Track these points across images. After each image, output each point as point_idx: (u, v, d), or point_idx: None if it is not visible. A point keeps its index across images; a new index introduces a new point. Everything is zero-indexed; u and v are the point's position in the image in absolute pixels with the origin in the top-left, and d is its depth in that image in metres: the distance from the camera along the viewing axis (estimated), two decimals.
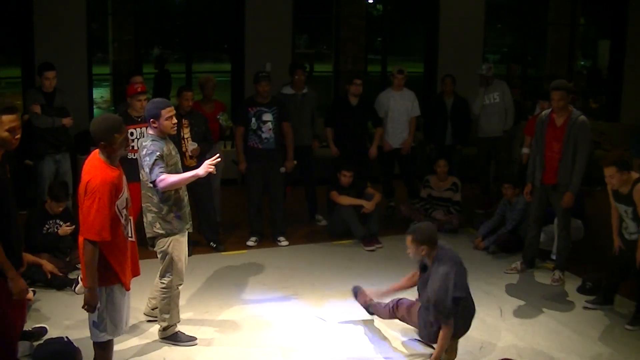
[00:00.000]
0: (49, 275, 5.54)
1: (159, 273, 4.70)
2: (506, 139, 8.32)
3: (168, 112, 4.59)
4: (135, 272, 4.02)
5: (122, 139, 3.70)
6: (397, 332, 4.98)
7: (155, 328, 4.89)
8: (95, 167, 3.65)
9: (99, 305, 3.71)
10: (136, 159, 6.10)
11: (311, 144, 7.59)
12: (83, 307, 3.71)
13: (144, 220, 4.63)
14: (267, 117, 6.78)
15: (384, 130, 7.80)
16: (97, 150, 3.74)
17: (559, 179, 5.81)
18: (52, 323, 4.93)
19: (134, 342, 4.71)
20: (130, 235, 3.90)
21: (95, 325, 3.79)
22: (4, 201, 3.47)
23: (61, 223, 5.97)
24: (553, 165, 5.84)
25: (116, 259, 3.74)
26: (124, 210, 3.80)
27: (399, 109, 7.81)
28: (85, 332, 4.29)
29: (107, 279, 3.72)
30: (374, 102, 7.87)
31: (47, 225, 5.95)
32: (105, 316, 3.76)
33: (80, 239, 3.69)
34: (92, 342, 3.91)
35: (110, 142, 3.66)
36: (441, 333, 4.31)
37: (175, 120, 4.67)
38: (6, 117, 3.41)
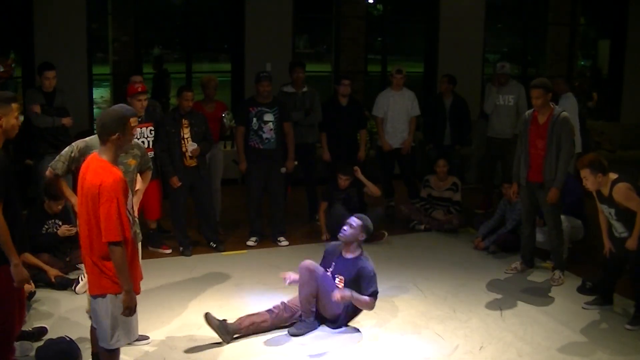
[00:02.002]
0: (54, 280, 5.56)
1: None
2: (514, 141, 8.24)
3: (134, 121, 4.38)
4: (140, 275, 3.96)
5: (132, 128, 3.67)
6: (396, 333, 4.98)
7: (154, 329, 4.89)
8: (102, 168, 3.55)
9: (113, 312, 3.62)
10: None
11: (314, 142, 7.60)
12: (123, 313, 3.60)
13: None
14: (269, 117, 6.77)
15: (367, 132, 7.86)
16: (94, 154, 3.68)
17: (544, 176, 5.83)
18: (52, 323, 4.92)
19: (133, 343, 4.70)
20: (139, 237, 3.90)
21: (108, 332, 3.69)
22: (9, 188, 3.57)
23: (60, 223, 5.97)
24: (538, 163, 5.87)
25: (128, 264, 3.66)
26: (132, 210, 3.78)
27: (399, 109, 7.80)
28: (85, 332, 4.30)
29: (115, 287, 3.62)
30: (367, 102, 7.86)
31: (46, 226, 5.95)
32: (118, 323, 3.68)
33: (88, 252, 3.65)
34: (101, 347, 3.81)
35: (124, 130, 3.61)
36: (371, 304, 4.90)
37: (137, 130, 4.54)
38: (15, 105, 3.67)
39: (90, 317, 3.97)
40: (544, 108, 5.82)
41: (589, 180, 5.12)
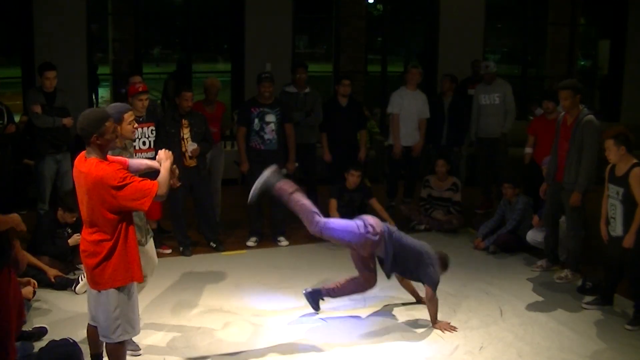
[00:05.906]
0: (54, 280, 5.54)
1: None
2: (504, 140, 8.24)
3: (130, 115, 4.39)
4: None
5: (113, 128, 3.70)
6: (397, 333, 4.98)
7: (154, 329, 4.89)
8: (94, 165, 3.62)
9: (116, 305, 3.72)
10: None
11: (314, 143, 7.60)
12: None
13: None
14: (270, 118, 6.77)
15: (367, 132, 7.84)
16: (82, 154, 3.72)
17: (563, 177, 5.85)
18: (52, 323, 4.92)
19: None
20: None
21: (110, 326, 3.76)
22: None
23: (69, 230, 5.95)
24: (563, 164, 5.89)
25: (133, 253, 3.76)
26: None
27: (411, 109, 7.73)
28: (85, 333, 4.30)
29: (127, 277, 3.73)
30: (365, 102, 7.85)
31: (56, 234, 5.93)
32: (121, 316, 3.75)
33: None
34: (104, 342, 3.87)
35: (103, 132, 3.64)
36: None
37: (136, 125, 4.50)
38: None
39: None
40: (572, 110, 5.80)
41: (612, 152, 5.13)
